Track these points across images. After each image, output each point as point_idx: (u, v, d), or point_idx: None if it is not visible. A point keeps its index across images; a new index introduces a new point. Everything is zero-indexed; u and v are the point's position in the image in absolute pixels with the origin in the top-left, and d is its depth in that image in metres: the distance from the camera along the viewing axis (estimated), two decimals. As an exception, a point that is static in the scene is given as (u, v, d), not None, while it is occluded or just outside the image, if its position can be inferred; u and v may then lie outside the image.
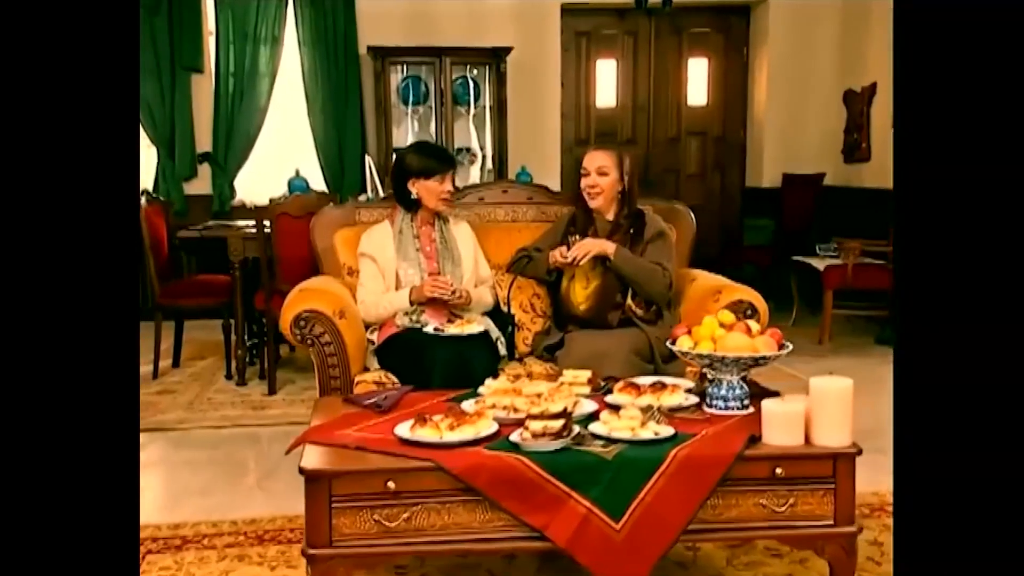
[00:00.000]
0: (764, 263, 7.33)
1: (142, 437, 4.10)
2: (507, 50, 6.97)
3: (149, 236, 5.16)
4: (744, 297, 3.47)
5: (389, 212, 3.75)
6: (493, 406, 2.61)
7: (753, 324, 2.76)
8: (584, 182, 3.60)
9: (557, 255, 3.51)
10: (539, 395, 2.63)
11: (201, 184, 7.10)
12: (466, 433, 2.39)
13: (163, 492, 3.62)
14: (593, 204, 3.59)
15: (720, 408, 2.66)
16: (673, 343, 2.76)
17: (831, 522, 2.41)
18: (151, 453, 4.02)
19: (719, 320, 2.74)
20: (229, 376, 5.22)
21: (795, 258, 6.62)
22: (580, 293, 3.55)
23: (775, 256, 7.24)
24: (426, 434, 2.38)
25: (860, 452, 2.42)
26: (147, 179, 7.01)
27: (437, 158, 3.60)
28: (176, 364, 5.54)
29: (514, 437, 2.38)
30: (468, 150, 7.18)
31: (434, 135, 7.00)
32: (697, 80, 7.95)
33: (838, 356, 5.91)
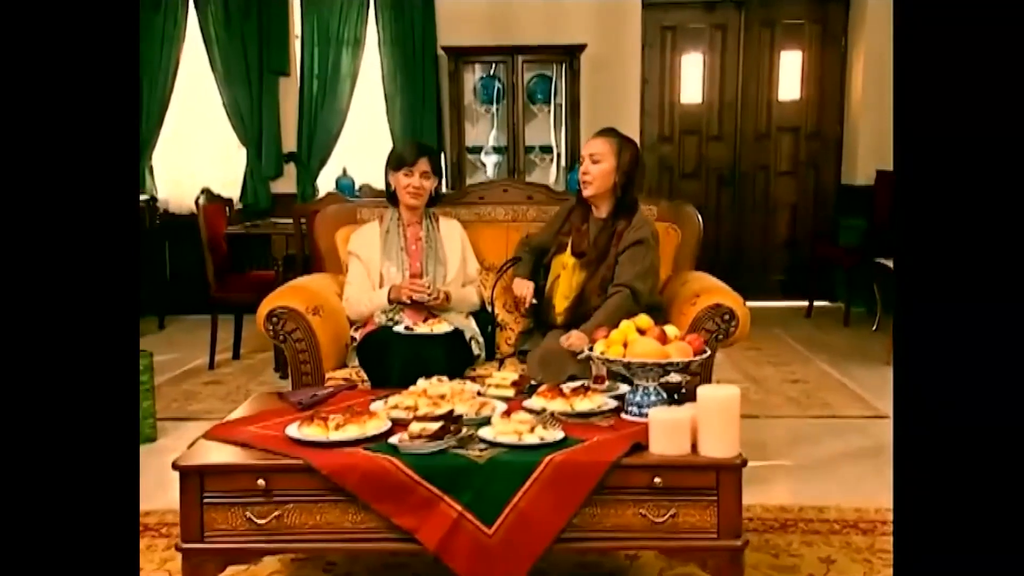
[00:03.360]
0: (853, 264, 7.00)
1: (165, 425, 4.31)
2: (581, 47, 6.92)
3: (207, 233, 5.42)
4: (723, 302, 3.34)
5: (382, 211, 3.82)
6: (396, 406, 2.63)
7: (670, 329, 2.68)
8: (580, 169, 3.53)
9: (524, 294, 3.56)
10: (442, 397, 2.64)
11: (287, 183, 7.37)
12: (350, 433, 2.42)
13: (153, 478, 3.79)
14: (585, 193, 3.50)
15: (634, 414, 2.60)
16: (591, 348, 2.71)
17: (714, 535, 2.31)
18: (165, 440, 4.21)
19: (636, 324, 2.67)
20: (277, 369, 5.41)
21: (877, 260, 6.29)
22: (561, 302, 3.51)
23: (865, 257, 6.89)
24: (312, 433, 2.43)
25: (745, 463, 2.32)
26: (236, 179, 7.35)
27: (406, 150, 3.64)
28: (236, 356, 5.79)
29: (393, 439, 2.40)
30: (542, 148, 7.16)
31: (508, 134, 7.03)
32: (790, 73, 7.65)
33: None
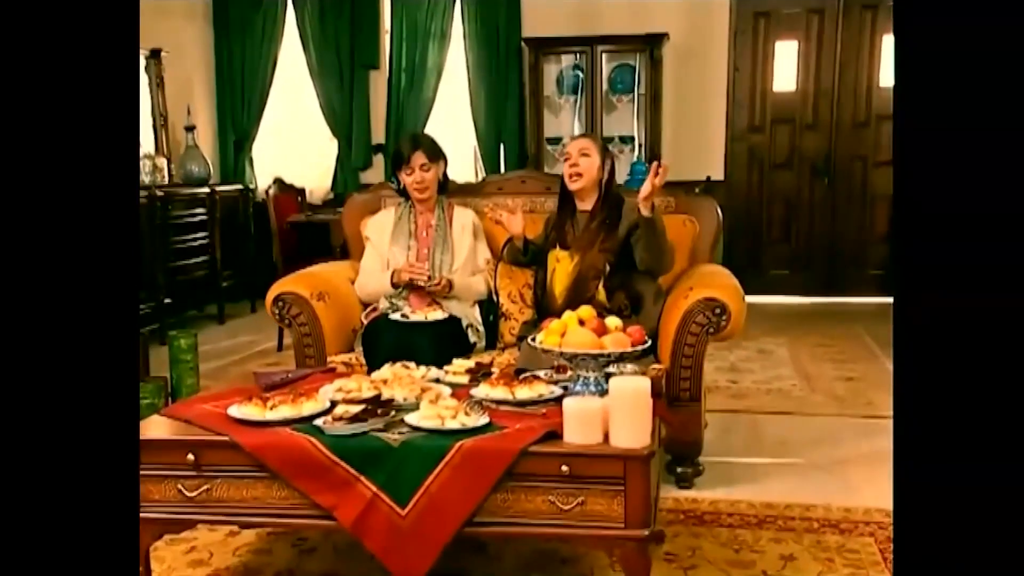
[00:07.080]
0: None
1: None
2: (661, 36, 6.84)
3: (277, 222, 5.66)
4: (715, 295, 3.27)
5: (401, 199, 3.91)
6: (340, 389, 2.71)
7: (612, 321, 2.66)
8: (566, 166, 3.60)
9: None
10: (385, 381, 2.71)
11: (375, 174, 7.60)
12: (283, 413, 2.52)
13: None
14: (574, 185, 3.56)
15: (573, 405, 2.59)
16: (534, 339, 2.72)
17: (621, 524, 2.29)
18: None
19: (579, 316, 2.67)
20: (338, 352, 5.59)
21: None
22: (560, 289, 3.52)
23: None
24: (249, 412, 2.53)
25: (653, 454, 2.29)
26: (328, 170, 7.63)
27: (401, 147, 3.74)
28: (305, 340, 6.02)
29: (319, 420, 2.48)
30: (622, 138, 7.11)
31: (588, 124, 7.02)
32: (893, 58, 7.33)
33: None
